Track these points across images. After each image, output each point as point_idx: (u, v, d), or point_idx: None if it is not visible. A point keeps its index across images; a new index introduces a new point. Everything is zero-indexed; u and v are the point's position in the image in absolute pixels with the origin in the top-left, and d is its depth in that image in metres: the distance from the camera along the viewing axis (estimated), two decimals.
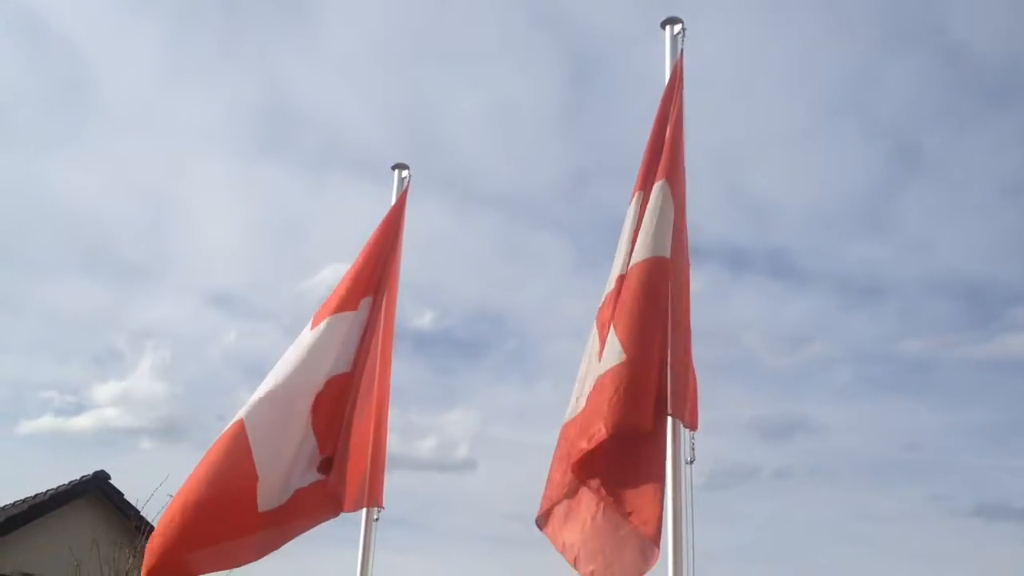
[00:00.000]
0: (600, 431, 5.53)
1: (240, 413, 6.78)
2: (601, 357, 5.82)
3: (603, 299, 6.15)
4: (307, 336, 7.14)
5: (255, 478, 6.60)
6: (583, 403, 5.82)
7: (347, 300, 7.30)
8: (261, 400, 6.84)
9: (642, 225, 6.04)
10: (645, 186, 6.20)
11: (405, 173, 8.02)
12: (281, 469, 6.74)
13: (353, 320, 7.24)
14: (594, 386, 5.74)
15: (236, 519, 6.54)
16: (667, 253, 5.91)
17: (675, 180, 6.11)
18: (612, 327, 5.83)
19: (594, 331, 6.07)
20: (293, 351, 7.09)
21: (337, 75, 39.92)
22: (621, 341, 5.71)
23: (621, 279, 6.02)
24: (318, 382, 7.04)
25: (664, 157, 6.18)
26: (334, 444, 6.98)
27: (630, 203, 6.27)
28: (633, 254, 5.98)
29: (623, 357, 5.65)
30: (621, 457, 5.59)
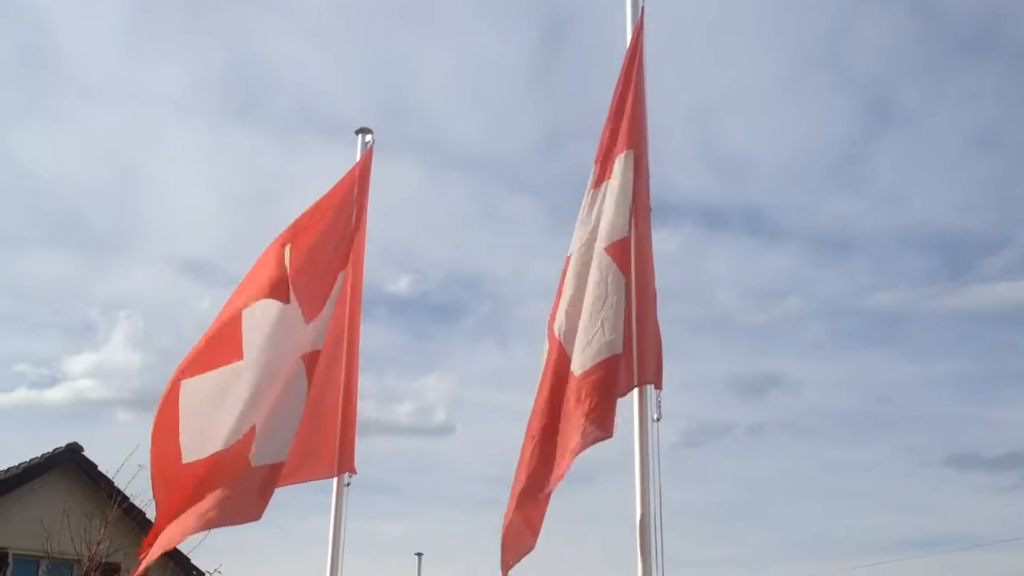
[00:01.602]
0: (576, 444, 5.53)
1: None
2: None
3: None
4: (282, 311, 6.86)
5: (248, 434, 6.52)
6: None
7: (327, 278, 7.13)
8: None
9: (604, 206, 6.04)
10: (607, 158, 6.19)
11: (368, 137, 7.92)
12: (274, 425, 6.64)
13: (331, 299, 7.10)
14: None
15: (229, 473, 6.49)
16: (628, 231, 5.94)
17: (639, 148, 6.11)
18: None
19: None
20: (270, 327, 6.85)
21: (308, 39, 39.45)
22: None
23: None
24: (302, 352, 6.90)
25: (625, 126, 6.16)
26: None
27: (592, 175, 6.26)
28: (598, 239, 5.98)
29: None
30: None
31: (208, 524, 6.39)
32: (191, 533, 6.43)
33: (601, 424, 5.48)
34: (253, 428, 6.50)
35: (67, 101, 40.27)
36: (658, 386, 5.72)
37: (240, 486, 6.47)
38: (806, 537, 48.27)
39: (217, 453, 6.42)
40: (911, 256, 49.05)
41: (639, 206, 6.01)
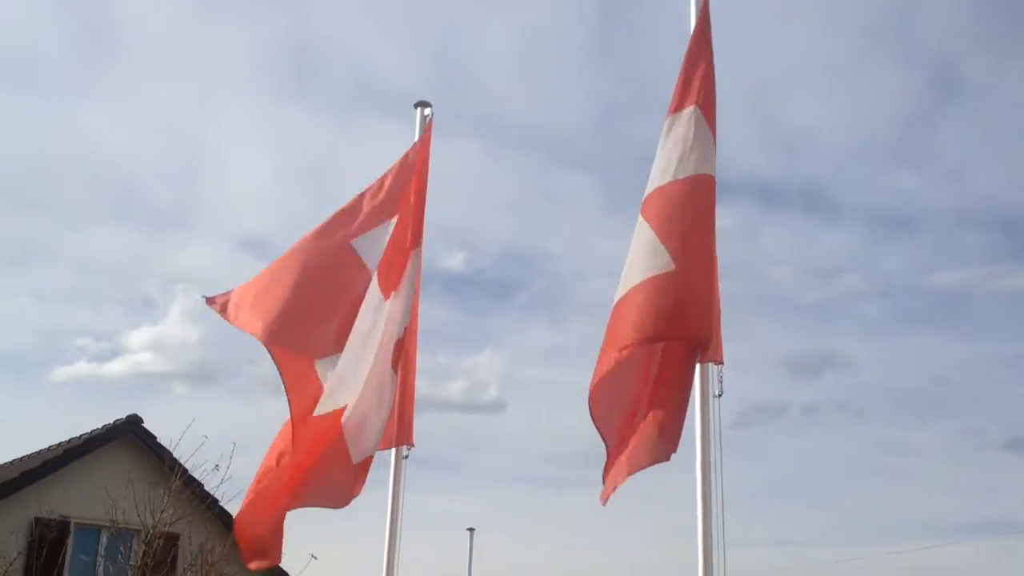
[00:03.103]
0: (646, 329, 5.68)
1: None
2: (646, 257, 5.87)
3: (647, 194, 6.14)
4: (384, 306, 7.04)
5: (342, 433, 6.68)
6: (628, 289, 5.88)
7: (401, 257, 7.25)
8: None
9: (687, 142, 6.02)
10: (681, 107, 6.17)
11: (428, 111, 7.91)
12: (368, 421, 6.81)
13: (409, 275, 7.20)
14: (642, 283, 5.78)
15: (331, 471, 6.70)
16: (713, 171, 5.91)
17: (707, 108, 6.08)
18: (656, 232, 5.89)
19: (641, 220, 6.05)
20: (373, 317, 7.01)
21: (365, 13, 39.51)
22: (669, 251, 5.75)
23: (663, 190, 6.01)
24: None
25: (696, 84, 6.14)
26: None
27: (666, 120, 6.23)
28: (677, 168, 5.98)
29: (672, 267, 5.69)
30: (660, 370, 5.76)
31: (301, 503, 6.60)
32: (289, 509, 6.58)
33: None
34: (344, 407, 6.64)
35: (129, 77, 40.86)
36: (718, 361, 5.69)
37: (338, 476, 6.71)
38: (861, 518, 47.76)
39: (313, 419, 6.57)
40: (973, 234, 47.99)
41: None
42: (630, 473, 5.78)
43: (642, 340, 5.70)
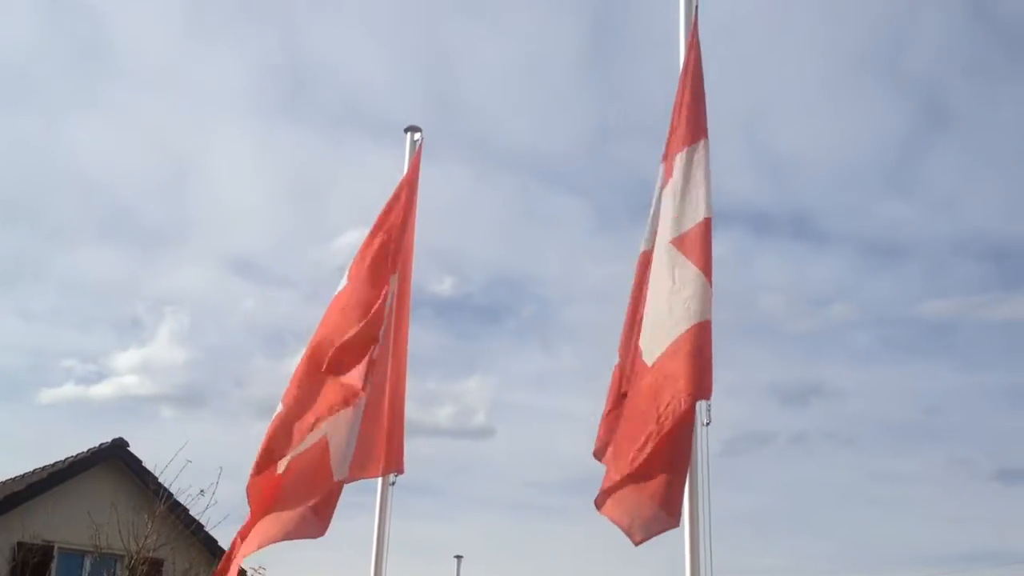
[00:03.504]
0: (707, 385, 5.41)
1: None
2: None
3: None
4: None
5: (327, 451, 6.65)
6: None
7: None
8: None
9: (708, 178, 5.89)
10: (678, 149, 6.07)
11: (417, 136, 7.91)
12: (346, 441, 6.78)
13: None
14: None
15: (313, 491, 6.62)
16: (711, 213, 5.80)
17: (698, 141, 6.05)
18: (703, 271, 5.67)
19: (681, 258, 5.78)
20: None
21: (358, 34, 39.55)
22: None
23: (701, 228, 5.80)
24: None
25: (683, 123, 6.08)
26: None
27: (660, 167, 6.15)
28: (706, 208, 5.80)
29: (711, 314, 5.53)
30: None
31: (288, 535, 6.51)
32: (272, 542, 6.50)
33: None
34: (325, 436, 6.62)
35: (120, 94, 40.70)
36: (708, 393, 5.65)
37: (323, 498, 6.62)
38: (850, 548, 47.59)
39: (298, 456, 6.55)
40: (963, 264, 48.10)
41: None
42: (628, 531, 5.57)
43: (701, 397, 5.38)
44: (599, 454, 5.80)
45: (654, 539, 5.42)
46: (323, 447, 6.60)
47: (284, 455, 6.55)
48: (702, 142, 6.00)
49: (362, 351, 6.81)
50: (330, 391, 6.72)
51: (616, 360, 5.94)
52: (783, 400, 49.59)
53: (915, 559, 53.79)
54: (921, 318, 47.47)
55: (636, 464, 5.43)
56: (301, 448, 6.55)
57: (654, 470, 5.42)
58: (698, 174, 5.92)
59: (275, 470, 6.54)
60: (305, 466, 6.58)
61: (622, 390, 5.80)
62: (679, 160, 6.00)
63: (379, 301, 6.97)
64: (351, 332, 6.83)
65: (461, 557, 38.91)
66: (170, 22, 40.59)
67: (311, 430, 6.58)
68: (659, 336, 5.64)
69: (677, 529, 5.44)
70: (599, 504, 5.67)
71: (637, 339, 5.82)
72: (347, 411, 6.69)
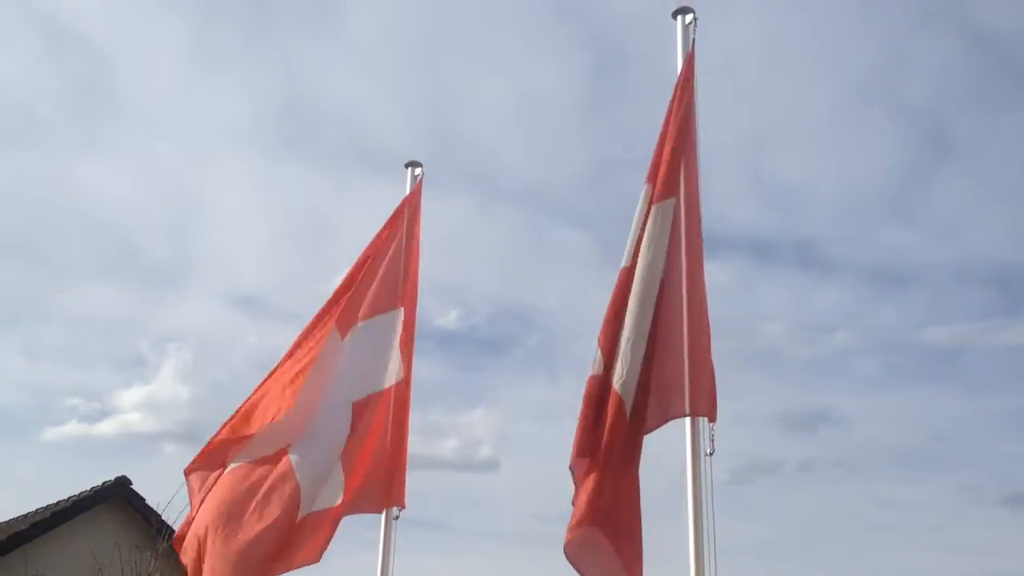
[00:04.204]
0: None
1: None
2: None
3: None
4: (339, 346, 7.09)
5: (297, 487, 6.63)
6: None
7: (376, 304, 7.27)
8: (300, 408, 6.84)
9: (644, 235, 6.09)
10: (654, 183, 6.18)
11: (418, 171, 7.99)
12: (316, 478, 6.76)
13: (386, 327, 7.22)
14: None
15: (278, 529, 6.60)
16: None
17: (690, 189, 6.13)
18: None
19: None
20: (326, 360, 7.03)
21: (359, 71, 39.86)
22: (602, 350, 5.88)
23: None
24: (354, 398, 7.03)
25: (663, 172, 6.16)
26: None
27: (644, 187, 6.25)
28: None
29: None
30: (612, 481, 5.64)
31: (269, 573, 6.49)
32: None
33: None
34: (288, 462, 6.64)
35: (125, 132, 40.99)
36: (712, 419, 5.66)
37: (288, 538, 6.60)
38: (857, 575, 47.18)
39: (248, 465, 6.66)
40: (967, 290, 48.13)
41: (690, 244, 6.01)
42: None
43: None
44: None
45: (660, 570, 5.43)
46: (293, 486, 6.62)
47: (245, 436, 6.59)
48: (670, 200, 6.09)
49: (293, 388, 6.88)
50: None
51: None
52: (789, 427, 49.44)
53: None
54: (925, 344, 47.39)
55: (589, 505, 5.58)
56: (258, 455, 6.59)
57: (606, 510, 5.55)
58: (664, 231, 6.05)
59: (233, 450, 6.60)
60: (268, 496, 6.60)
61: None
62: (656, 211, 6.11)
63: (317, 340, 7.04)
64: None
65: None
66: (173, 60, 40.94)
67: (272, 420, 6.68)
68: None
69: (682, 560, 5.43)
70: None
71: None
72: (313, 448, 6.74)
